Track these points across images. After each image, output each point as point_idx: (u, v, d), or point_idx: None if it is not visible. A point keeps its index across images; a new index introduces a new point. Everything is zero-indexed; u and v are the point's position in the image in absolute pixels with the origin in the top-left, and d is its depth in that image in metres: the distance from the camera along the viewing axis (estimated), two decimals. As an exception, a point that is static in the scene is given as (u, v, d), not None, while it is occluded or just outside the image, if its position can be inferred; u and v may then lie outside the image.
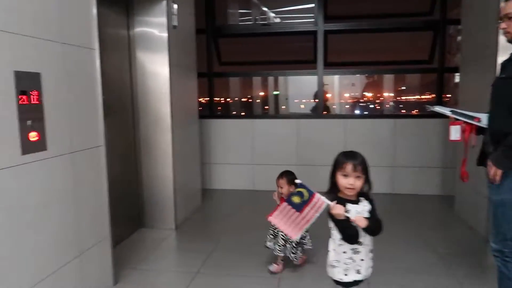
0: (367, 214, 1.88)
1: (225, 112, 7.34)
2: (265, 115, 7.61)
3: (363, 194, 1.93)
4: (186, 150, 4.42)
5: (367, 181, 1.90)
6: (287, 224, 1.88)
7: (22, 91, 2.01)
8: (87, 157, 2.56)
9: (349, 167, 1.84)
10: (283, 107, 10.91)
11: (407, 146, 5.21)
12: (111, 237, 2.81)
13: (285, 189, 2.98)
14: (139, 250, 3.51)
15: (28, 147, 2.05)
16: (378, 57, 6.84)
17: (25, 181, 2.03)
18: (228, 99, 9.28)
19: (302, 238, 2.99)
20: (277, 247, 2.97)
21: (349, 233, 1.86)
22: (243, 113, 7.54)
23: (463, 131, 2.32)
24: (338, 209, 1.81)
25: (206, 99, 5.89)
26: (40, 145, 2.14)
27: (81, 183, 2.48)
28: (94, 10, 2.59)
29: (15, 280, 1.96)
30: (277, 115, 7.31)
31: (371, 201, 1.94)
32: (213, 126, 5.63)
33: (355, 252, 1.90)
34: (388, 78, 11.44)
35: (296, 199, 1.87)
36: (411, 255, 3.32)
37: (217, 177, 5.71)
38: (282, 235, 2.95)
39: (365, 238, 1.90)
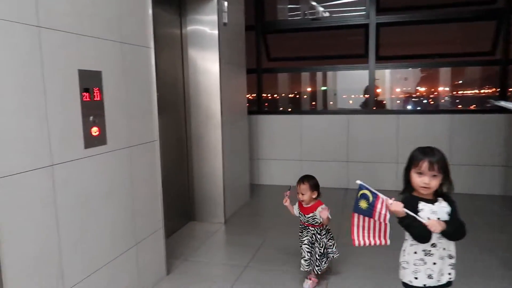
0: (445, 216, 1.75)
1: (273, 108, 7.34)
2: (313, 110, 7.52)
3: (442, 194, 1.79)
4: (235, 145, 4.48)
5: (446, 180, 1.76)
6: (370, 237, 1.81)
7: (85, 89, 2.13)
8: (143, 152, 2.67)
9: (424, 164, 1.72)
10: (331, 102, 10.72)
11: (464, 143, 4.93)
12: (164, 229, 2.92)
13: (307, 195, 2.71)
14: (190, 242, 3.62)
15: (90, 141, 2.17)
16: (434, 50, 6.52)
17: (88, 173, 2.15)
18: (275, 95, 9.28)
19: (328, 247, 2.76)
20: (303, 262, 2.72)
21: (414, 232, 1.75)
22: (291, 109, 7.51)
23: None
24: (395, 206, 1.72)
25: (253, 95, 5.93)
26: (101, 140, 2.26)
27: (137, 176, 2.60)
28: (150, 11, 2.70)
29: (78, 266, 2.09)
30: (325, 110, 7.21)
31: (451, 203, 1.78)
32: (262, 122, 5.66)
33: (428, 254, 1.78)
34: (444, 72, 10.87)
35: (363, 204, 1.76)
36: (470, 257, 3.15)
37: (265, 173, 5.74)
38: (305, 246, 2.72)
39: (441, 241, 1.77)
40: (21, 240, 1.74)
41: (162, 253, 2.91)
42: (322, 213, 2.61)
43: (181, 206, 4.06)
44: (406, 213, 1.72)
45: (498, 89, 5.07)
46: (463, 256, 3.15)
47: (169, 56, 3.81)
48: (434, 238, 1.76)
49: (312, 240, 2.72)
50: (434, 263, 1.78)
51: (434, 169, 1.71)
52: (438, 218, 1.73)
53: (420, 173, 1.74)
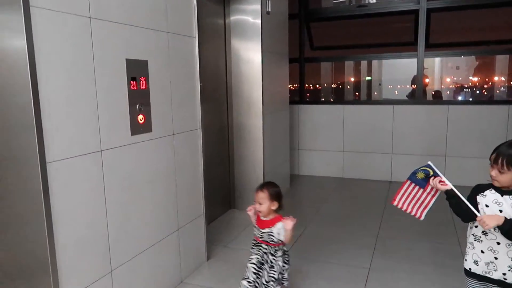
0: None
1: (315, 98, 7.24)
2: (356, 100, 7.33)
3: None
4: (276, 135, 4.48)
5: None
6: (410, 204, 1.86)
7: (132, 78, 2.20)
8: (186, 139, 2.73)
9: (493, 156, 1.69)
10: (375, 93, 10.41)
11: (521, 136, 4.61)
12: (205, 215, 2.99)
13: (265, 206, 2.20)
14: (230, 230, 3.68)
15: (136, 129, 2.25)
16: (489, 36, 6.12)
17: (134, 159, 2.24)
18: (318, 86, 9.14)
19: (283, 272, 2.28)
20: (244, 283, 2.18)
21: (452, 208, 1.78)
22: (333, 99, 7.37)
23: None
24: (435, 181, 1.79)
25: (295, 85, 5.87)
26: (146, 127, 2.34)
27: (181, 163, 2.67)
28: (195, 1, 2.73)
29: (124, 247, 2.19)
30: (369, 100, 7.00)
31: None
32: (303, 112, 5.61)
33: (477, 239, 1.76)
34: (501, 60, 10.19)
35: (420, 175, 1.82)
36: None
37: (306, 163, 5.70)
38: (252, 266, 2.20)
39: (496, 233, 1.70)
40: (72, 221, 1.84)
41: (202, 239, 2.98)
42: (287, 224, 2.16)
43: (222, 194, 4.13)
44: (452, 190, 1.75)
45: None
46: None
47: (212, 46, 3.85)
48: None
49: (262, 261, 2.21)
50: (482, 251, 1.74)
51: (498, 164, 1.64)
52: (500, 211, 1.65)
53: (491, 165, 1.69)
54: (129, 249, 2.23)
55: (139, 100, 2.26)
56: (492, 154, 1.69)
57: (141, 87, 2.28)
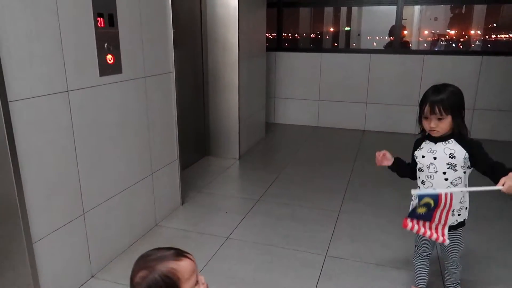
0: (447, 159, 1.65)
1: (293, 47, 7.10)
2: (334, 48, 7.24)
3: (461, 137, 1.66)
4: (252, 82, 4.41)
5: (457, 120, 1.64)
6: (426, 227, 1.56)
7: (99, 14, 2.07)
8: (158, 83, 2.65)
9: (426, 108, 1.64)
10: (354, 44, 10.29)
11: (491, 87, 4.73)
12: (180, 161, 2.98)
13: None
14: (205, 175, 3.71)
15: (105, 69, 2.15)
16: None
17: (103, 101, 2.16)
18: (296, 35, 8.93)
19: None
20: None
21: (400, 174, 1.92)
22: (312, 47, 7.26)
23: None
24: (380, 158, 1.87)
25: (273, 34, 5.71)
26: (116, 68, 2.24)
27: (153, 107, 2.60)
28: None
29: (96, 190, 2.17)
30: (347, 49, 6.95)
31: (470, 146, 1.63)
32: (280, 59, 5.51)
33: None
34: (478, 12, 10.15)
35: (421, 210, 1.52)
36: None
37: (282, 112, 5.70)
38: None
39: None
40: (40, 163, 1.79)
41: (177, 184, 2.99)
42: None
43: (196, 140, 4.11)
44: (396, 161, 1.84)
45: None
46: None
47: (186, -15, 3.64)
48: (423, 177, 1.75)
49: None
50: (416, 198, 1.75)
51: (436, 112, 1.60)
52: (435, 158, 1.67)
53: (426, 117, 1.66)
54: (101, 192, 2.21)
55: (107, 38, 2.14)
56: (422, 107, 1.65)
57: (109, 25, 2.15)
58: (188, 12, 3.71)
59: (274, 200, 3.19)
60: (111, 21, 2.16)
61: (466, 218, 1.75)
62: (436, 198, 1.48)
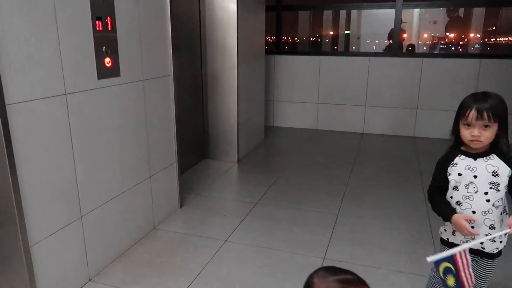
0: (493, 178, 1.50)
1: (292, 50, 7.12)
2: (333, 52, 7.26)
3: (502, 152, 1.52)
4: (251, 85, 4.42)
5: (502, 132, 1.48)
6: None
7: (97, 17, 2.07)
8: (157, 86, 2.65)
9: (472, 113, 1.45)
10: (353, 47, 10.31)
11: (491, 89, 4.71)
12: (178, 164, 2.98)
13: None
14: (203, 178, 3.71)
15: (103, 72, 2.15)
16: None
17: (101, 104, 2.16)
18: (295, 38, 8.95)
19: None
20: None
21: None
22: (311, 50, 7.27)
23: None
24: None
25: (273, 38, 5.73)
26: (114, 71, 2.24)
27: (152, 110, 2.61)
28: None
29: (94, 193, 2.17)
30: (346, 52, 6.95)
31: None
32: (280, 62, 5.52)
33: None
34: (477, 15, 10.17)
35: (450, 282, 1.44)
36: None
37: (281, 115, 5.70)
38: None
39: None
40: (38, 167, 1.79)
41: (175, 187, 2.99)
42: None
43: (195, 143, 4.11)
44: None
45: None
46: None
47: (184, -12, 3.65)
48: (459, 197, 1.56)
49: None
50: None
51: (484, 118, 1.43)
52: (475, 177, 1.50)
53: (468, 124, 1.47)
54: (99, 195, 2.21)
55: (105, 42, 2.14)
56: (465, 113, 1.47)
57: (108, 28, 2.16)
58: (187, 15, 3.72)
59: (272, 203, 3.19)
60: (110, 24, 2.17)
61: (505, 245, 1.58)
62: (452, 259, 1.38)
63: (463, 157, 1.54)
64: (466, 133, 1.49)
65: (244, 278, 2.22)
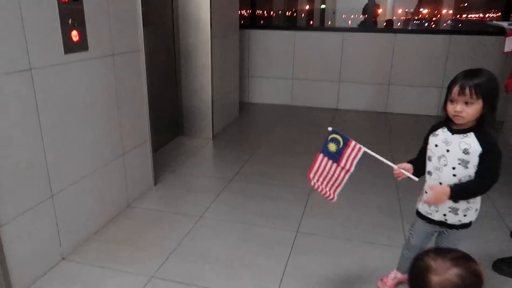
0: (461, 155, 1.52)
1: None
2: (308, 27, 7.22)
3: (482, 130, 1.52)
4: (225, 60, 4.36)
5: (488, 110, 1.49)
6: (323, 184, 1.75)
7: (61, -12, 1.98)
8: (127, 61, 2.58)
9: (455, 89, 1.49)
10: (329, 22, 10.30)
11: (460, 66, 4.82)
12: (152, 141, 2.94)
13: None
14: (178, 156, 3.69)
15: (70, 47, 2.07)
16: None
17: (69, 80, 2.09)
18: (271, 12, 8.83)
19: None
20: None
21: None
22: (286, 25, 7.20)
23: None
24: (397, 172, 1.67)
25: (248, 11, 5.62)
26: (81, 45, 2.16)
27: (123, 86, 2.54)
28: None
29: (65, 171, 2.12)
30: (321, 27, 6.92)
31: (486, 144, 1.49)
32: (254, 37, 5.44)
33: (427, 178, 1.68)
34: (449, -8, 10.29)
35: (332, 147, 1.68)
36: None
37: (256, 91, 5.68)
38: None
39: (438, 175, 1.62)
40: (4, 145, 1.73)
41: (149, 164, 2.96)
42: None
43: (169, 120, 4.06)
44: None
45: (502, 14, 4.86)
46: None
47: (155, -42, 3.51)
48: (430, 167, 1.63)
49: None
50: (426, 192, 1.64)
51: (465, 94, 1.45)
52: (448, 151, 1.55)
53: (452, 100, 1.51)
54: (70, 174, 2.17)
55: (71, 14, 2.05)
56: (451, 88, 1.51)
57: (73, 0, 2.06)
58: (158, -13, 3.59)
59: (247, 179, 3.21)
60: (75, -4, 2.07)
61: (473, 220, 1.64)
62: (346, 141, 1.65)
63: (445, 130, 1.59)
64: (450, 108, 1.52)
65: (219, 253, 2.25)
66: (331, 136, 1.70)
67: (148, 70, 2.78)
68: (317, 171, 1.75)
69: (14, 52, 1.74)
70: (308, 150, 3.83)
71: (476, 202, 1.62)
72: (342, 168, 1.69)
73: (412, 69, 5.01)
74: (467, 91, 1.45)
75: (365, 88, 5.24)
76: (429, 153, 1.64)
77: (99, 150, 2.39)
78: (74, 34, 2.09)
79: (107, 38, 2.36)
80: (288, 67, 5.43)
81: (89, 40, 2.20)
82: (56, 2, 1.94)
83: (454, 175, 1.55)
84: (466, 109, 1.47)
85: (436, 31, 5.80)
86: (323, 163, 1.73)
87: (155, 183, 3.07)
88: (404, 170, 1.65)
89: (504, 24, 2.21)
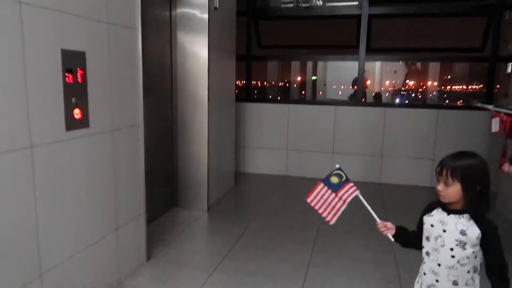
0: (458, 236, 1.51)
1: (262, 96, 7.31)
2: (302, 100, 7.50)
3: (478, 215, 1.52)
4: (221, 132, 4.45)
5: (469, 195, 1.51)
6: (323, 206, 1.87)
7: (68, 69, 2.07)
8: (126, 136, 2.62)
9: (438, 168, 1.56)
10: (320, 92, 10.76)
11: (448, 139, 4.99)
12: (146, 214, 2.90)
13: None
14: (172, 228, 3.61)
15: (72, 124, 2.12)
16: (425, 43, 6.54)
17: (69, 156, 2.11)
18: (265, 83, 9.24)
19: None
20: None
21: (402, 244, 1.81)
22: (280, 98, 7.48)
23: (502, 122, 2.25)
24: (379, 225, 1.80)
25: (243, 81, 5.88)
26: (83, 122, 2.21)
27: (120, 161, 2.56)
28: (138, -9, 2.62)
29: (57, 249, 2.06)
30: (314, 100, 7.19)
31: (485, 227, 1.49)
32: (249, 109, 5.63)
33: (423, 259, 1.67)
34: (434, 66, 10.95)
35: (334, 180, 1.85)
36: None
37: (251, 161, 5.73)
38: None
39: (434, 257, 1.60)
40: (-4, 223, 1.70)
41: (142, 239, 2.89)
42: None
43: (164, 191, 4.04)
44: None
45: (484, 86, 5.12)
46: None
47: (157, 38, 3.73)
48: (429, 248, 1.63)
49: None
50: (425, 273, 1.64)
51: (442, 175, 1.52)
52: (444, 231, 1.55)
53: (437, 179, 1.57)
54: (61, 251, 2.10)
55: (75, 93, 2.13)
56: (437, 168, 1.58)
57: (78, 80, 2.15)
58: (158, 62, 3.76)
59: (242, 254, 3.12)
60: (80, 76, 2.16)
61: None
62: (347, 180, 1.85)
63: (440, 210, 1.60)
64: (436, 186, 1.57)
65: (213, 338, 2.12)
66: (336, 171, 1.87)
67: (145, 143, 2.82)
68: (315, 197, 1.88)
69: (16, 130, 1.78)
70: (304, 223, 3.79)
71: (476, 285, 1.58)
72: (340, 198, 1.84)
73: (403, 141, 5.14)
74: (444, 172, 1.52)
75: (358, 159, 5.32)
76: (426, 233, 1.63)
77: (93, 226, 2.35)
78: (77, 112, 2.15)
79: (108, 114, 2.42)
80: (282, 138, 5.55)
81: (90, 117, 2.26)
82: (61, 83, 2.03)
83: (453, 256, 1.53)
84: (445, 190, 1.52)
85: (424, 106, 6.05)
86: (322, 191, 1.87)
87: (148, 259, 2.96)
88: (386, 227, 1.77)
89: (489, 106, 2.35)
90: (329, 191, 1.85)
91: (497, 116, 2.32)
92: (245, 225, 3.70)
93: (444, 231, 1.55)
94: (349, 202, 1.84)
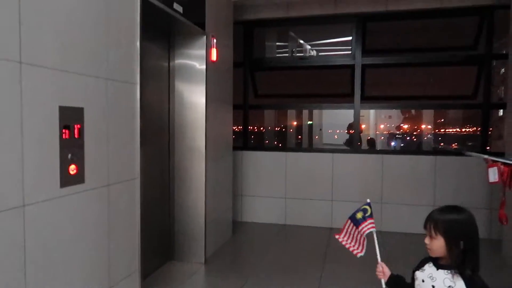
0: None
1: (259, 140, 7.33)
2: (299, 148, 7.54)
3: (464, 271, 1.52)
4: (219, 181, 4.40)
5: (452, 250, 1.52)
6: (348, 241, 2.01)
7: (65, 126, 2.06)
8: (122, 190, 2.57)
9: (425, 222, 1.61)
10: (316, 137, 10.84)
11: (447, 185, 4.95)
12: (141, 270, 2.78)
13: None
14: (168, 283, 3.46)
15: (67, 180, 2.08)
16: (418, 91, 6.70)
17: (62, 214, 2.05)
18: (261, 128, 9.32)
19: None
20: None
21: None
22: (277, 146, 7.52)
23: (501, 174, 2.25)
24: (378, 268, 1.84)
25: (239, 127, 5.91)
26: (78, 178, 2.17)
27: (115, 216, 2.49)
28: (138, 44, 2.67)
29: (45, 315, 1.95)
30: (311, 148, 7.23)
31: (470, 284, 1.51)
32: (247, 157, 5.61)
33: None
34: (428, 110, 11.14)
35: (359, 215, 1.98)
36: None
37: (249, 210, 5.63)
38: None
39: None
40: (-18, 289, 1.61)
41: (137, 297, 2.76)
42: None
43: (160, 244, 3.91)
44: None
45: (478, 128, 5.18)
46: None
47: (155, 89, 3.77)
48: None
49: None
50: None
51: (427, 228, 1.58)
52: (433, 286, 1.57)
53: (425, 233, 1.62)
54: (50, 317, 1.98)
55: (71, 149, 2.11)
56: (424, 221, 1.63)
57: (75, 136, 2.13)
58: (156, 111, 3.78)
59: (242, 311, 2.98)
60: (77, 132, 2.15)
61: None
62: (371, 216, 1.97)
63: (431, 264, 1.62)
64: (425, 240, 1.61)
65: None
66: (364, 206, 1.99)
67: (142, 192, 2.76)
68: (345, 233, 2.03)
69: (9, 189, 1.73)
70: (305, 275, 3.65)
71: None
72: (359, 232, 1.97)
73: (402, 187, 5.10)
74: (428, 225, 1.58)
75: (358, 206, 5.23)
76: None
77: (85, 286, 2.23)
78: (72, 168, 2.12)
79: (104, 168, 2.39)
80: (280, 186, 5.49)
81: (86, 172, 2.22)
82: (58, 139, 2.01)
83: None
84: (431, 243, 1.57)
85: (421, 152, 6.08)
86: (350, 227, 2.02)
87: (142, 319, 2.81)
88: (383, 271, 1.83)
89: (484, 156, 2.37)
90: (352, 226, 1.99)
91: (494, 165, 2.31)
92: (244, 279, 3.56)
93: (433, 286, 1.57)
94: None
